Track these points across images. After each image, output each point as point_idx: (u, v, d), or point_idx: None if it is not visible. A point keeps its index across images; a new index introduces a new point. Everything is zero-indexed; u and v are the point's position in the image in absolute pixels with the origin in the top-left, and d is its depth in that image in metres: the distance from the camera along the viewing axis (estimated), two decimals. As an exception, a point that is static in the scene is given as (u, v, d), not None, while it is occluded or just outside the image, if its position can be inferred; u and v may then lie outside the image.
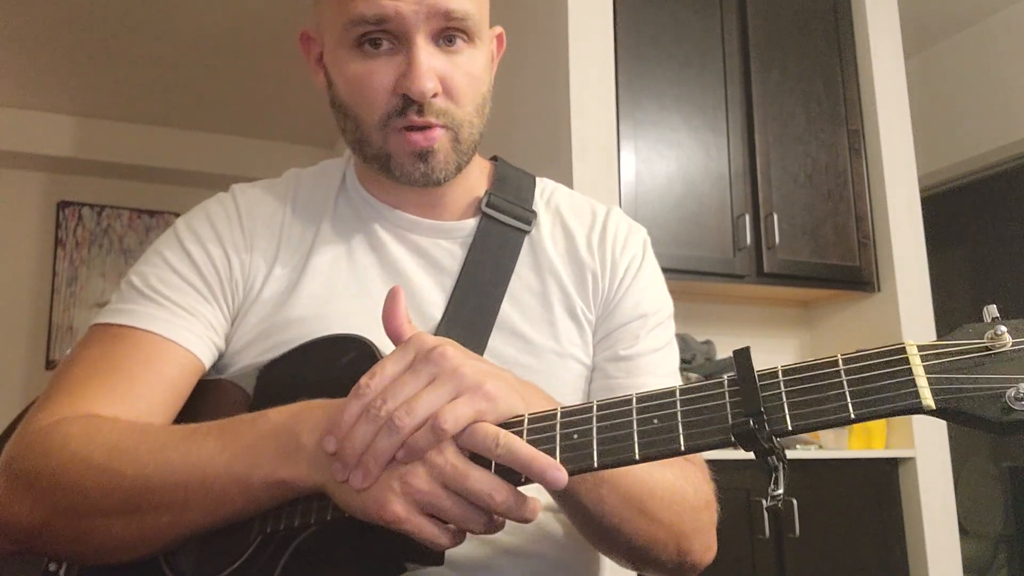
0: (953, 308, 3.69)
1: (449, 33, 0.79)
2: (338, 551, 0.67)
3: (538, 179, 0.96)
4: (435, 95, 0.78)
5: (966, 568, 2.64)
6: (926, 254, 2.76)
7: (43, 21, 3.54)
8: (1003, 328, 0.52)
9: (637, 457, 0.57)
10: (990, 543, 3.77)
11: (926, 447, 2.57)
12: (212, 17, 3.53)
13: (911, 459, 2.55)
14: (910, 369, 0.53)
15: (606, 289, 0.89)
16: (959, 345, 0.53)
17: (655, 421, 0.58)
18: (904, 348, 0.54)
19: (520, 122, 2.66)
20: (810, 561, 2.35)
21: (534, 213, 0.91)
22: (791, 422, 0.54)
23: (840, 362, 0.55)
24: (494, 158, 0.97)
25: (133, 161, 4.49)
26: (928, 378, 0.52)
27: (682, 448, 0.56)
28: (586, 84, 2.40)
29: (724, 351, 2.69)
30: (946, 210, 3.88)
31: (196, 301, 0.82)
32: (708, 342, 2.68)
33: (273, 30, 3.60)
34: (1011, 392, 0.50)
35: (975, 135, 3.70)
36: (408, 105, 0.78)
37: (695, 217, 2.49)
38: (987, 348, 0.52)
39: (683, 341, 2.59)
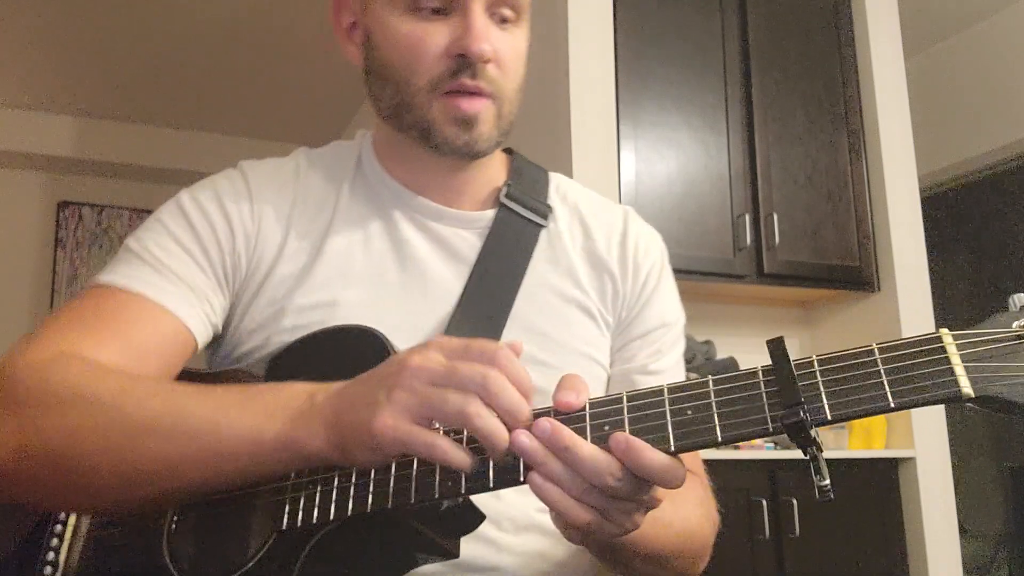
0: (953, 308, 3.69)
1: (502, 7, 0.80)
2: (353, 548, 0.66)
3: (551, 174, 0.96)
4: (488, 60, 0.79)
5: (966, 568, 2.63)
6: (926, 254, 2.76)
7: (43, 21, 3.53)
8: None
9: (673, 448, 0.56)
10: (990, 543, 3.77)
11: (926, 447, 2.57)
12: (212, 17, 3.53)
13: (911, 459, 2.55)
14: (948, 358, 0.52)
15: (628, 294, 0.89)
16: (992, 333, 0.53)
17: (689, 412, 0.57)
18: (940, 337, 0.53)
19: (520, 122, 2.64)
20: (810, 561, 2.35)
21: (550, 208, 0.90)
22: (830, 411, 0.54)
23: (876, 351, 0.54)
24: (508, 151, 0.96)
25: (133, 161, 4.49)
26: (965, 366, 0.52)
27: (719, 439, 0.56)
28: (586, 84, 2.40)
29: (724, 351, 2.69)
30: (946, 210, 3.88)
31: (194, 272, 0.79)
32: (708, 342, 2.68)
33: (273, 30, 3.60)
34: None
35: (975, 135, 3.70)
36: (462, 68, 0.78)
37: (695, 217, 2.49)
38: (1019, 336, 0.52)
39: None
